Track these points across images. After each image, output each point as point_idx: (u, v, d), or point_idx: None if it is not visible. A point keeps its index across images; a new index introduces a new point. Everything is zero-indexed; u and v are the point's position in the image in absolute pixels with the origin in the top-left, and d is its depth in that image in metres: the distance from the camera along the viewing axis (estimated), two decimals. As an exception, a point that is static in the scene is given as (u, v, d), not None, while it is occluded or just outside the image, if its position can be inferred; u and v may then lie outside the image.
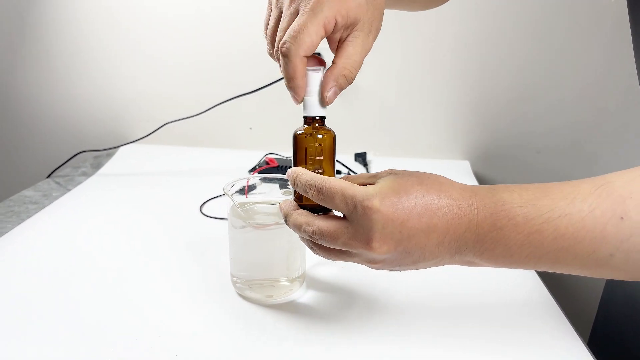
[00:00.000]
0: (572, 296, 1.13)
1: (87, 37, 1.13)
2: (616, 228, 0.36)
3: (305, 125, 0.44)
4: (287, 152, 1.05)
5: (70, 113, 1.20)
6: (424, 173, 0.41)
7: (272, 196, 0.58)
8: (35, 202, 0.83)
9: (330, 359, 0.46)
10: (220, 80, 1.13)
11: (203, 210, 0.80)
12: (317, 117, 0.43)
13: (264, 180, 0.59)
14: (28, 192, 0.88)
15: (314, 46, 0.40)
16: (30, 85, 1.18)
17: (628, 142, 1.07)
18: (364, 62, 0.43)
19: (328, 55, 0.44)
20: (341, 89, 0.42)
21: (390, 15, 1.05)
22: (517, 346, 0.48)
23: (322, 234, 0.40)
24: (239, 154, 1.10)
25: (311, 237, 0.41)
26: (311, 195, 0.41)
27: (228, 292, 0.57)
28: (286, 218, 0.43)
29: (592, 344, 0.67)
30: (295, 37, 0.39)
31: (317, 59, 0.43)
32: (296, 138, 0.44)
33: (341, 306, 0.55)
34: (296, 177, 0.42)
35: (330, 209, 0.43)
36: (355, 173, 0.98)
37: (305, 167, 0.43)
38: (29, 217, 0.76)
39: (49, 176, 0.99)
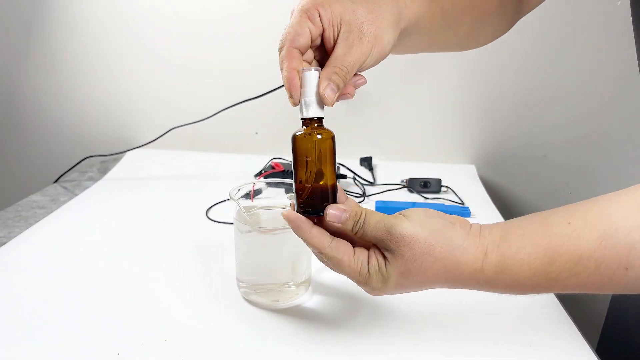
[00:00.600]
0: (580, 300, 1.12)
1: (94, 42, 1.14)
2: (621, 277, 0.36)
3: (304, 127, 0.44)
4: (293, 157, 1.05)
5: (77, 118, 1.20)
6: (435, 237, 0.40)
7: (278, 201, 0.58)
8: (42, 206, 0.84)
9: (336, 363, 0.46)
10: (226, 85, 1.13)
11: (209, 215, 0.80)
12: (315, 118, 0.43)
13: (269, 184, 0.59)
14: (36, 197, 0.89)
15: (299, 36, 0.41)
16: (37, 91, 1.19)
17: (635, 146, 1.07)
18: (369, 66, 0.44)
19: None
20: (337, 85, 0.42)
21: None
22: (522, 351, 0.48)
23: (330, 259, 0.42)
24: (245, 159, 1.11)
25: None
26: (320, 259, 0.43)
27: (234, 297, 0.57)
28: (297, 232, 0.43)
29: (600, 349, 0.67)
30: (284, 32, 0.42)
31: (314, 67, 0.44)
32: (295, 139, 0.44)
33: (347, 311, 0.54)
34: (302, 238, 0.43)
35: None
36: (361, 177, 0.98)
37: (305, 170, 0.43)
38: (36, 221, 0.77)
39: (56, 181, 0.99)
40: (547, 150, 1.12)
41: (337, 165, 0.46)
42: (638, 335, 0.60)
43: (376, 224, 0.40)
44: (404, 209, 0.42)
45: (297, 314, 0.54)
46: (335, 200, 0.44)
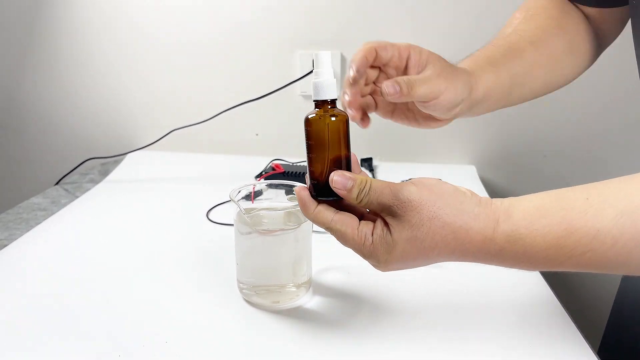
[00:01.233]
0: (582, 303, 1.12)
1: (94, 44, 1.14)
2: (638, 255, 0.36)
3: (316, 109, 0.43)
4: (294, 158, 1.05)
5: (78, 120, 1.21)
6: (445, 200, 0.39)
7: (278, 202, 0.58)
8: (43, 208, 0.84)
9: (337, 365, 0.46)
10: (227, 86, 1.13)
11: (210, 216, 0.80)
12: (329, 100, 0.42)
13: (270, 186, 0.59)
14: (37, 199, 0.89)
15: (385, 47, 0.49)
16: (38, 93, 1.19)
17: (636, 146, 1.06)
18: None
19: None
20: (399, 85, 0.45)
21: (397, 18, 1.05)
22: (522, 352, 0.48)
23: (334, 232, 0.42)
24: (246, 160, 1.11)
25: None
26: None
27: (234, 298, 0.57)
28: (302, 210, 0.43)
29: (602, 351, 0.66)
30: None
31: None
32: (308, 121, 0.42)
33: (347, 312, 0.54)
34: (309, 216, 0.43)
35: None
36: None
37: (318, 153, 0.42)
38: (37, 223, 0.77)
39: (57, 183, 0.99)
40: (548, 151, 1.12)
41: (350, 147, 0.44)
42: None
43: (382, 189, 0.39)
44: None
45: (297, 315, 0.54)
46: None
